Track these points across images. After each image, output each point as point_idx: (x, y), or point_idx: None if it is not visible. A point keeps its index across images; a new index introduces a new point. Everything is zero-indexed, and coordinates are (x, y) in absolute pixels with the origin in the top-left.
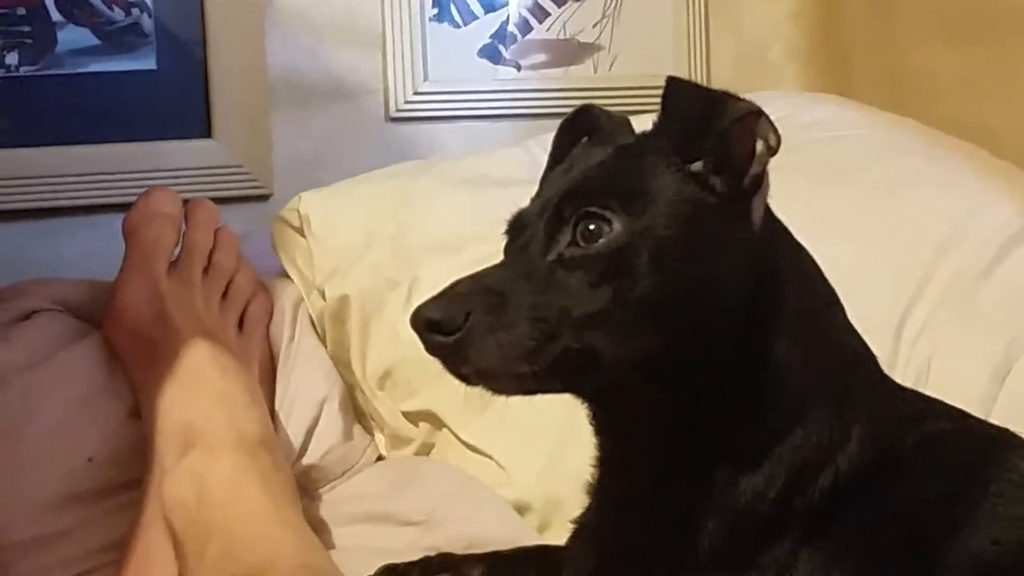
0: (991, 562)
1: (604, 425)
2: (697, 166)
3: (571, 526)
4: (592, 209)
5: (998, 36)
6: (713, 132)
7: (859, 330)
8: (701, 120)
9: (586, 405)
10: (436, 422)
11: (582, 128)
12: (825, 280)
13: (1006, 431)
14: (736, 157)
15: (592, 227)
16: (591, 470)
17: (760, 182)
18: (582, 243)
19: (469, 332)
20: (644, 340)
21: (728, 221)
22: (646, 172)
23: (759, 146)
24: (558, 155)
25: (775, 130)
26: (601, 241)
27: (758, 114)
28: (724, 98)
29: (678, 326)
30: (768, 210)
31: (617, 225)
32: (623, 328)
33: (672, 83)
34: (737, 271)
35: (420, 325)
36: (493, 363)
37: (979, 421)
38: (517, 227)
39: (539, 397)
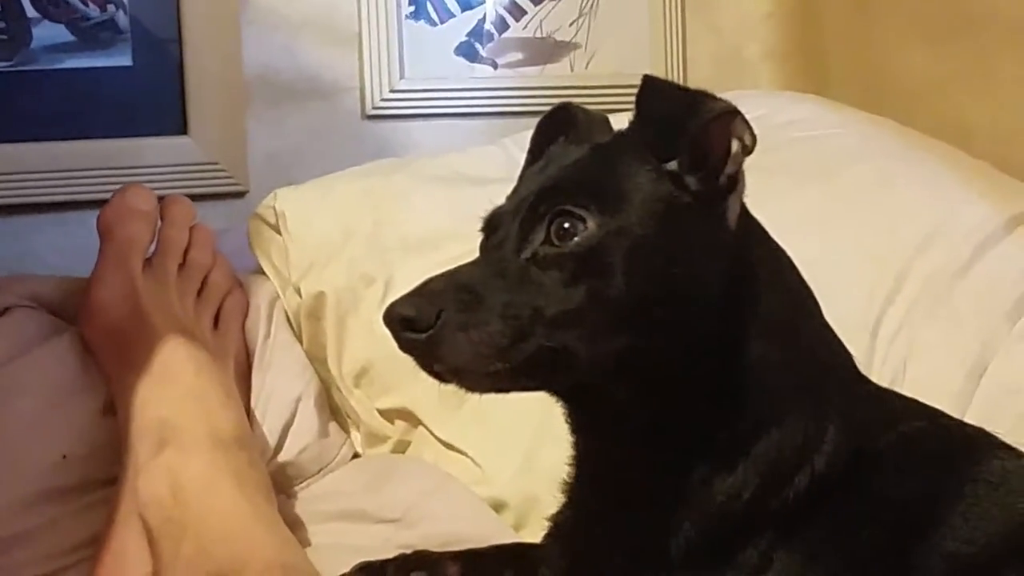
0: (967, 562)
1: (579, 424)
2: (672, 165)
3: (547, 524)
4: (567, 207)
5: (975, 35)
6: (688, 131)
7: (836, 329)
8: (676, 119)
9: (561, 403)
10: (412, 420)
11: (560, 126)
12: (801, 280)
13: (982, 431)
14: (711, 156)
15: (567, 225)
16: (567, 468)
17: (736, 182)
18: (556, 242)
19: (441, 329)
20: (618, 339)
21: (703, 221)
22: (621, 171)
23: (734, 145)
24: (535, 153)
25: (751, 130)
26: (575, 240)
27: (734, 113)
28: (699, 97)
29: (652, 325)
30: (744, 210)
31: (591, 224)
32: (597, 327)
33: (648, 82)
34: (712, 271)
35: (393, 322)
36: (465, 360)
37: (955, 421)
38: (492, 225)
39: (515, 395)
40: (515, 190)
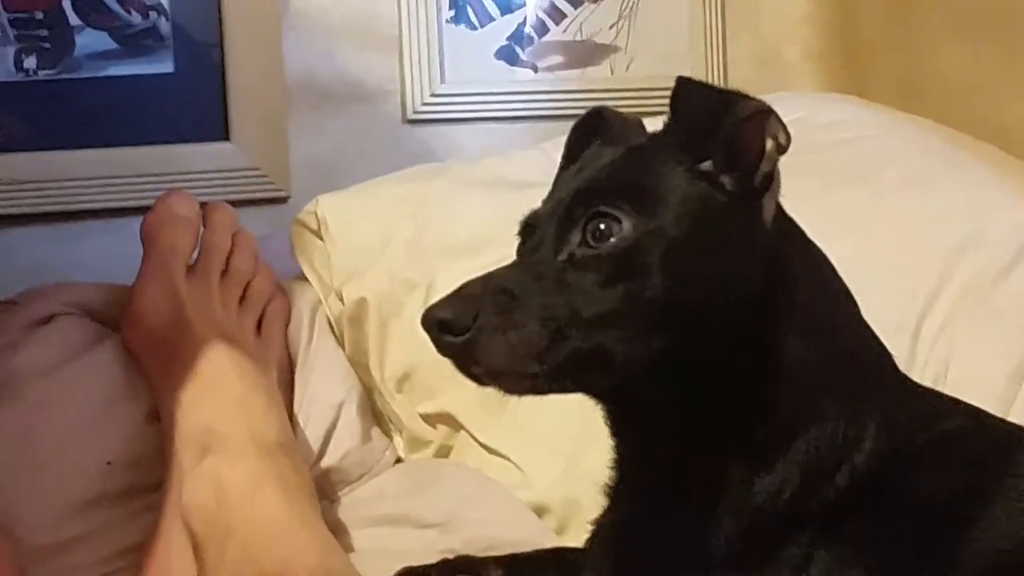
0: (1007, 558)
1: (618, 425)
2: (707, 165)
3: (589, 527)
4: (602, 209)
5: (1014, 34)
6: (722, 131)
7: (876, 330)
8: (710, 119)
9: (601, 405)
10: (454, 424)
11: (594, 129)
12: (838, 278)
13: (1022, 428)
14: (746, 155)
15: (603, 227)
16: (609, 471)
17: (770, 181)
18: (592, 243)
19: (479, 332)
20: (655, 340)
21: (738, 220)
22: (656, 172)
23: (769, 144)
24: (570, 156)
25: (785, 128)
26: (611, 241)
27: (767, 112)
28: (733, 97)
29: (689, 325)
30: (780, 209)
31: (627, 225)
32: (634, 328)
33: (681, 83)
34: (748, 270)
35: (431, 325)
36: (503, 363)
37: (995, 419)
38: (529, 228)
39: (557, 399)
40: (551, 194)
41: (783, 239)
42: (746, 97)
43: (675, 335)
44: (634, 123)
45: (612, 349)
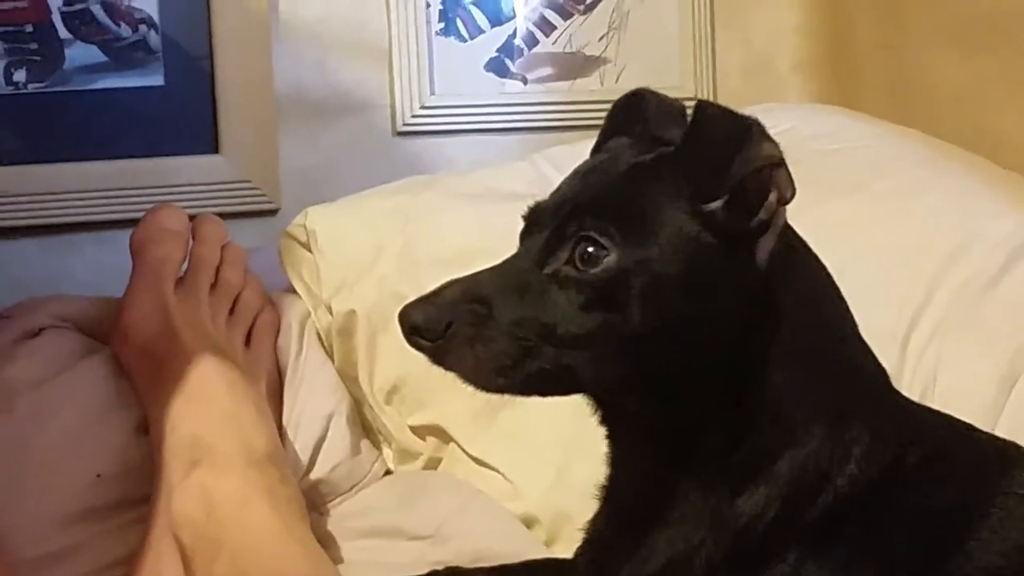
0: (998, 574)
1: (604, 420)
2: (708, 206)
3: (580, 533)
4: (592, 235)
5: (1006, 44)
6: (732, 176)
7: (866, 341)
8: (721, 156)
9: (589, 405)
10: (443, 436)
11: (631, 115)
12: (838, 299)
13: (1013, 444)
14: (748, 200)
15: (591, 250)
16: (603, 473)
17: (766, 228)
18: (579, 265)
19: (449, 341)
20: (627, 365)
21: (729, 262)
22: (655, 200)
23: (772, 196)
24: (601, 141)
25: (791, 183)
26: (596, 269)
27: (778, 165)
28: (749, 138)
29: (664, 357)
30: (784, 234)
31: (613, 255)
32: (606, 353)
33: (701, 109)
34: (732, 311)
35: (404, 326)
36: (469, 373)
37: (986, 435)
38: (532, 221)
39: (547, 411)
40: (560, 187)
41: (780, 268)
42: (762, 138)
43: (648, 363)
44: (674, 111)
45: (580, 369)
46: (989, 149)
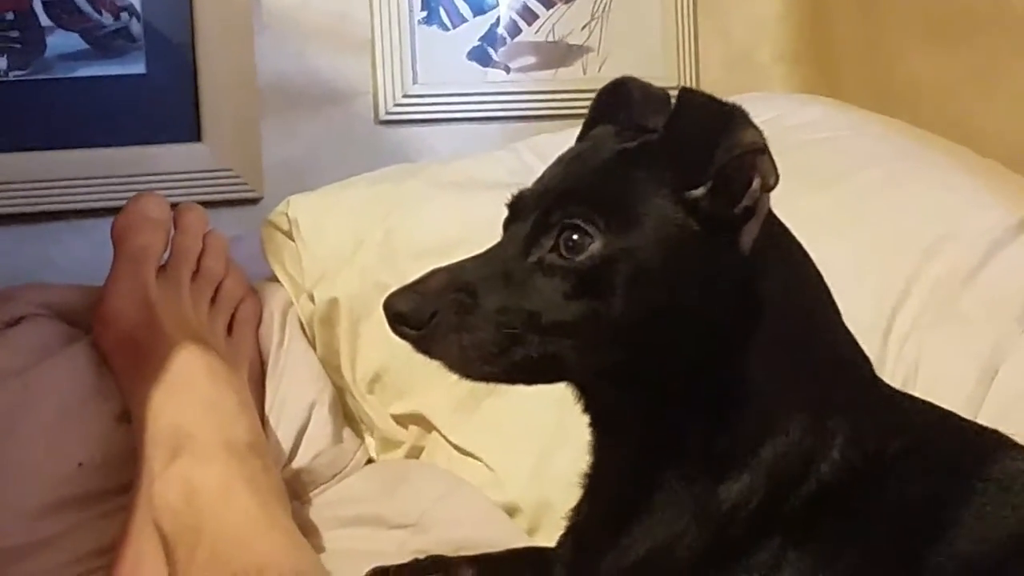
0: (979, 561)
1: (588, 406)
2: (691, 193)
3: (563, 521)
4: (577, 222)
5: (984, 36)
6: (714, 163)
7: (849, 329)
8: (705, 144)
9: (572, 391)
10: (426, 425)
11: (616, 102)
12: (821, 287)
13: (994, 432)
14: (731, 187)
15: (575, 238)
16: (585, 462)
17: (752, 212)
18: (564, 253)
19: (434, 330)
20: (611, 352)
21: (713, 249)
22: (638, 189)
23: (756, 183)
24: (585, 129)
25: (775, 169)
26: (581, 256)
27: (761, 151)
28: (732, 125)
29: (649, 344)
30: (768, 220)
31: (598, 243)
32: (590, 340)
33: (684, 96)
34: (717, 298)
35: (389, 315)
36: (454, 362)
37: (968, 422)
38: (515, 209)
39: (529, 400)
40: (544, 175)
41: (763, 259)
42: (745, 125)
43: (632, 351)
44: (657, 99)
45: (565, 356)
46: (968, 142)
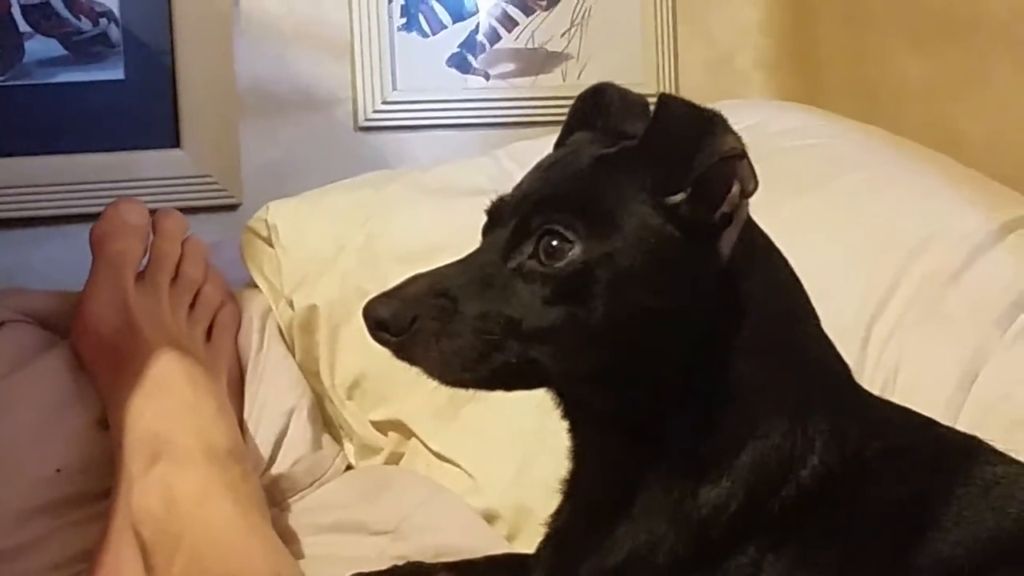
0: (958, 565)
1: (567, 413)
2: (671, 199)
3: (542, 528)
4: (557, 228)
5: (966, 42)
6: (694, 169)
7: (829, 335)
8: (684, 150)
9: (552, 397)
10: (405, 431)
11: (594, 109)
12: (800, 292)
13: (973, 438)
14: (711, 193)
15: (555, 243)
16: (565, 468)
17: (730, 219)
18: (543, 259)
19: (414, 336)
20: (591, 358)
21: (693, 255)
22: (618, 194)
23: (735, 188)
24: (563, 135)
25: (754, 175)
26: (561, 262)
27: (740, 157)
28: (711, 131)
29: (629, 350)
30: (747, 226)
31: (578, 249)
32: (570, 346)
33: (663, 102)
34: (697, 303)
35: (369, 321)
36: (434, 368)
37: (946, 429)
38: (494, 216)
39: (508, 407)
40: (523, 181)
41: (743, 264)
42: (724, 132)
43: (611, 356)
44: (635, 105)
45: (545, 362)
46: (949, 146)
